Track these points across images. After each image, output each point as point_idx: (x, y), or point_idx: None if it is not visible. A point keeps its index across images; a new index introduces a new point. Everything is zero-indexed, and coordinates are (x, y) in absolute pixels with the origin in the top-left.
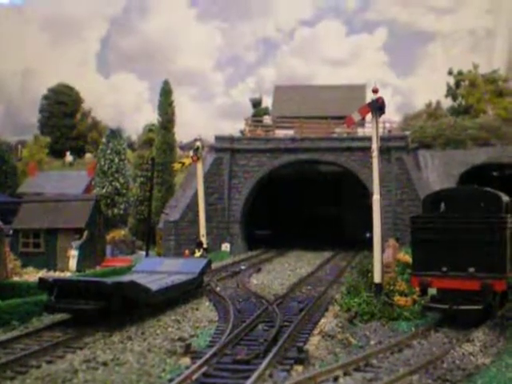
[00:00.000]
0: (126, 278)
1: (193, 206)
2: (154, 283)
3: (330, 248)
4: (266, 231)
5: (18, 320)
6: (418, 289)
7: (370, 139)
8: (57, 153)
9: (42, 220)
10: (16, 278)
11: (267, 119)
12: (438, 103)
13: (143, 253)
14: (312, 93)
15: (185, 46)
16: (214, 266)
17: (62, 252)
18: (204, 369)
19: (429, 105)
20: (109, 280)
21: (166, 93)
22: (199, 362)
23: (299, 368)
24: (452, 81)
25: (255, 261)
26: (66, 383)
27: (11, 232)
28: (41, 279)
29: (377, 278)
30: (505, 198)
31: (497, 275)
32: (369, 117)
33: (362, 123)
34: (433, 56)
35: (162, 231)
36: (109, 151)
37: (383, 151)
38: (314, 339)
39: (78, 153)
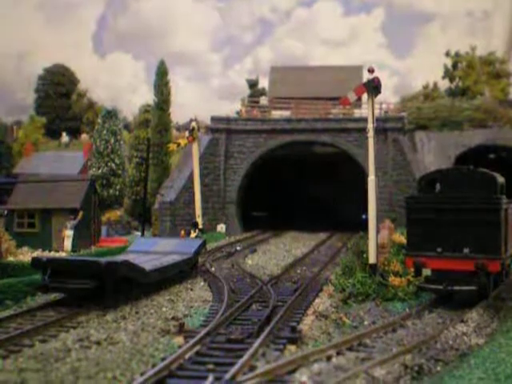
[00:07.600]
0: (120, 257)
1: (188, 186)
2: (148, 263)
3: (326, 229)
4: (262, 212)
5: (12, 299)
6: (412, 269)
7: (366, 120)
8: (53, 133)
9: (37, 200)
10: (11, 258)
11: (264, 100)
12: (435, 85)
13: (139, 233)
14: (308, 74)
15: (181, 26)
16: (209, 246)
17: (57, 232)
18: (197, 348)
19: (426, 86)
20: (102, 259)
21: (161, 73)
22: (192, 341)
23: (292, 347)
24: (449, 62)
25: (251, 242)
26: (58, 362)
27: (6, 212)
28: (34, 259)
29: (371, 259)
30: (500, 179)
31: (491, 256)
32: (365, 97)
33: (358, 104)
34: (430, 37)
35: (157, 212)
36: (104, 132)
37: (379, 132)
38: (308, 319)
39: (74, 133)
